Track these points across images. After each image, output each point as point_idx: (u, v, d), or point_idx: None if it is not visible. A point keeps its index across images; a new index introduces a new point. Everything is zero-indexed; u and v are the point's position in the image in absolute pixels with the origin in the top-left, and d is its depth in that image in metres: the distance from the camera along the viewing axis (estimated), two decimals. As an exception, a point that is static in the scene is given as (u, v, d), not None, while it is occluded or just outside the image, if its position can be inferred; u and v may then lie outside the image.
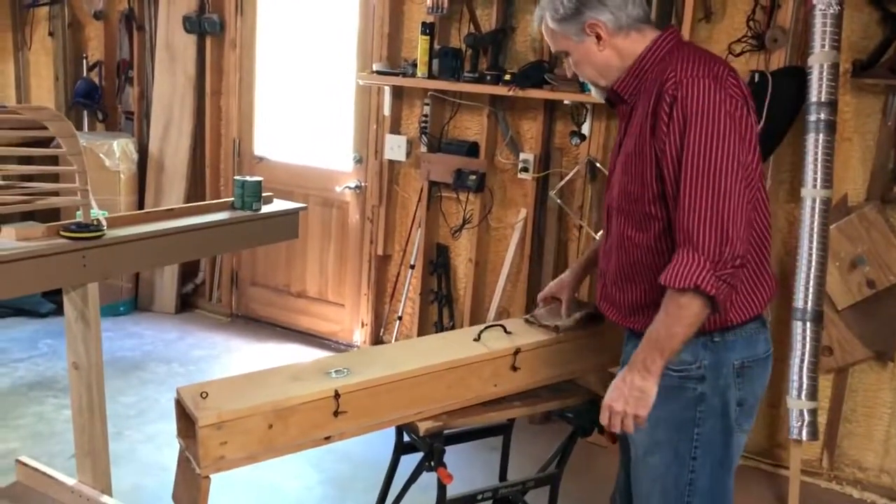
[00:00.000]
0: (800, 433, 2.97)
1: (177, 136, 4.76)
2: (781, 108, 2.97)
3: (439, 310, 4.05)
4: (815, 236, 2.92)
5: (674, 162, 1.60)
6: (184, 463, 1.76)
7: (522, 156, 3.67)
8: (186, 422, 1.72)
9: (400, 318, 4.19)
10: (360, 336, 4.38)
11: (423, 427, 1.92)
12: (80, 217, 2.42)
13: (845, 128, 3.06)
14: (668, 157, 1.60)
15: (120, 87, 5.05)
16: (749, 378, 1.74)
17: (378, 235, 4.19)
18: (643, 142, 1.66)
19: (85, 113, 5.15)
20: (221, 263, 4.85)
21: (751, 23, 3.13)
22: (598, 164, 3.47)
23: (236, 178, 2.97)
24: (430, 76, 3.73)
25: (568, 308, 2.17)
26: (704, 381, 1.71)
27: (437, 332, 4.02)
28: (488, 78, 3.57)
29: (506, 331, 2.15)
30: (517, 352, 2.05)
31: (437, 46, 3.73)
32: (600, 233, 2.26)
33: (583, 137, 3.49)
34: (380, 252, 4.20)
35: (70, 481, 2.64)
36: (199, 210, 2.86)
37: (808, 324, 2.93)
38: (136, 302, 4.87)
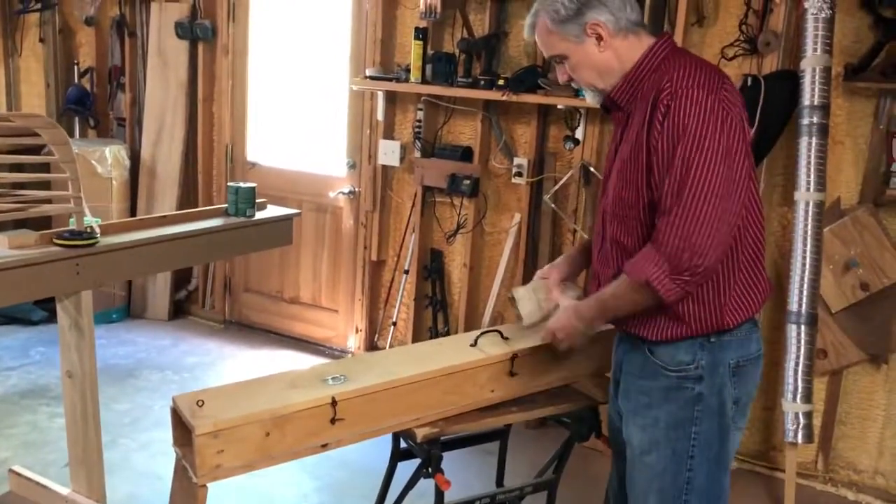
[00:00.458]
0: (795, 436, 2.98)
1: (169, 143, 4.74)
2: (774, 112, 2.98)
3: (434, 315, 4.04)
4: (808, 239, 2.93)
5: (662, 171, 1.62)
6: (180, 471, 1.75)
7: (516, 160, 3.68)
8: (183, 430, 1.71)
9: (394, 324, 4.18)
10: (354, 342, 4.37)
11: (421, 433, 1.91)
12: (73, 225, 2.41)
13: (838, 131, 3.07)
14: (657, 165, 1.63)
15: (112, 93, 5.02)
16: (743, 377, 1.77)
17: (372, 241, 4.18)
18: (638, 149, 1.67)
19: (76, 119, 5.12)
20: (214, 270, 4.83)
21: (743, 27, 3.14)
22: (591, 169, 3.47)
23: (230, 184, 2.96)
24: (424, 81, 3.73)
25: (554, 289, 2.10)
26: (702, 381, 1.73)
27: (431, 337, 4.02)
28: (482, 83, 3.57)
29: (502, 336, 2.14)
30: (514, 357, 2.05)
31: (430, 51, 3.74)
32: (579, 244, 2.27)
33: (576, 142, 3.50)
34: (374, 257, 4.19)
35: (64, 490, 2.63)
36: (192, 217, 2.86)
37: (803, 327, 2.94)
38: (128, 309, 4.84)
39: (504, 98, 3.48)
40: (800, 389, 2.95)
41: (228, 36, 4.55)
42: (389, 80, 3.86)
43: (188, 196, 4.79)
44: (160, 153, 4.77)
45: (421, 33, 3.69)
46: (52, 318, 4.50)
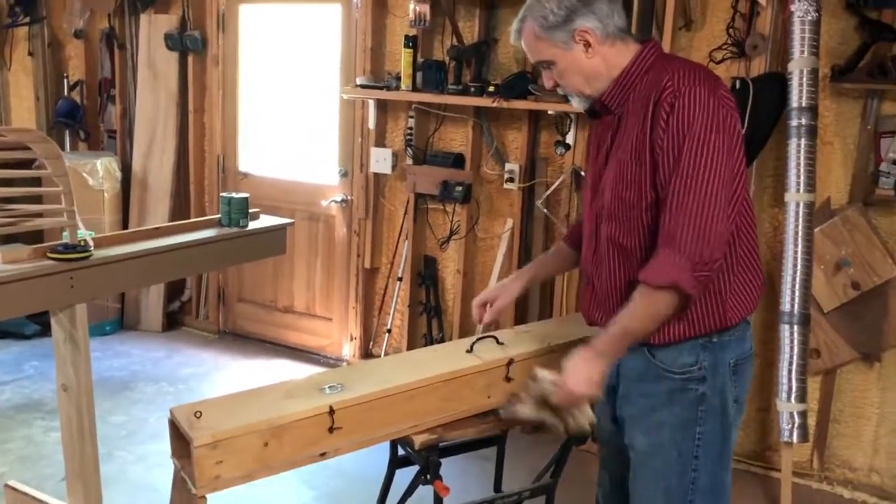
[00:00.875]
0: (790, 435, 2.99)
1: (160, 154, 4.74)
2: (763, 114, 3.01)
3: (428, 321, 4.05)
4: (799, 240, 2.95)
5: (668, 169, 1.63)
6: (179, 483, 1.75)
7: (508, 166, 3.69)
8: (181, 442, 1.71)
9: (389, 331, 4.18)
10: (349, 350, 4.37)
11: (419, 440, 1.92)
12: (66, 238, 2.40)
13: (826, 132, 3.10)
14: (663, 163, 1.64)
15: (102, 105, 5.02)
16: (741, 375, 1.80)
17: (365, 248, 4.19)
18: (640, 149, 1.68)
19: (67, 132, 5.12)
20: (208, 280, 4.83)
21: (730, 30, 3.17)
22: (583, 173, 3.48)
23: (223, 194, 2.96)
24: (415, 89, 3.74)
25: (497, 312, 2.11)
26: (705, 382, 1.75)
27: (426, 343, 4.02)
28: (472, 90, 3.59)
29: (497, 342, 2.15)
30: (510, 362, 2.05)
31: (420, 59, 3.75)
32: (554, 247, 2.24)
33: (567, 147, 3.52)
34: (367, 265, 4.20)
35: (61, 505, 2.62)
36: (186, 228, 2.86)
37: (796, 327, 2.96)
38: (122, 321, 4.83)
39: (495, 104, 3.49)
40: (794, 389, 2.97)
41: (218, 47, 4.55)
42: (380, 88, 3.87)
43: (180, 207, 4.78)
44: (151, 165, 4.76)
45: (411, 41, 3.70)
46: (45, 331, 4.48)
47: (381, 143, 4.07)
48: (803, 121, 2.92)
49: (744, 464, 3.39)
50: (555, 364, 2.12)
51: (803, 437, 3.01)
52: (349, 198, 4.26)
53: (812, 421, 3.20)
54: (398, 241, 4.10)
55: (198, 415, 1.70)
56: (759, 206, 3.21)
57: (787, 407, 2.99)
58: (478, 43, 3.66)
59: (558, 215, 3.61)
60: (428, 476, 1.96)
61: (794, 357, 2.96)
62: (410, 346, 4.08)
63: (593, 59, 1.74)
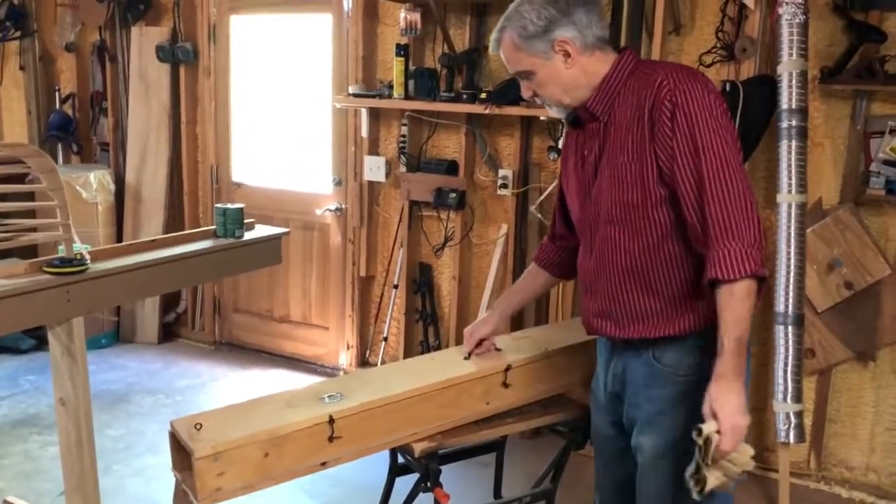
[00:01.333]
0: (787, 436, 3.00)
1: (154, 166, 4.74)
2: (753, 117, 3.03)
3: (424, 329, 4.06)
4: (792, 241, 2.96)
5: (688, 163, 1.65)
6: (181, 495, 1.75)
7: (501, 172, 3.71)
8: (182, 454, 1.72)
9: (385, 339, 4.19)
10: (345, 358, 4.37)
11: (419, 448, 1.92)
12: (62, 252, 2.40)
13: (816, 133, 3.12)
14: (679, 159, 1.66)
15: (94, 118, 5.02)
16: (747, 359, 1.78)
17: (360, 257, 4.19)
18: (641, 150, 1.70)
19: (59, 146, 5.11)
20: (203, 291, 4.82)
21: (719, 34, 3.20)
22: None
23: (218, 205, 2.96)
24: (407, 97, 3.76)
25: (475, 341, 2.14)
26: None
27: (423, 351, 4.03)
28: (464, 97, 3.60)
29: (495, 348, 2.16)
30: (508, 368, 2.06)
31: (412, 67, 3.77)
32: (526, 271, 2.25)
33: (560, 152, 3.52)
34: (362, 273, 4.20)
35: (60, 520, 2.61)
36: (181, 240, 2.86)
37: (790, 327, 2.97)
38: (118, 334, 4.82)
39: (487, 111, 3.51)
40: (790, 389, 2.98)
41: (210, 58, 4.56)
42: (372, 96, 3.89)
43: (174, 218, 4.78)
44: (145, 177, 4.76)
45: (402, 50, 3.72)
46: (40, 346, 4.48)
47: (374, 151, 4.08)
48: (794, 122, 2.94)
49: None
50: (552, 369, 2.14)
51: (800, 437, 3.01)
52: (343, 206, 4.26)
53: (808, 421, 3.22)
54: (393, 249, 4.11)
55: (198, 427, 1.70)
56: (751, 208, 3.23)
57: (783, 407, 3.00)
58: (469, 50, 3.68)
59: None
60: (428, 483, 1.96)
61: (790, 357, 2.97)
62: (407, 354, 4.09)
63: (572, 70, 1.76)
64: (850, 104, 3.07)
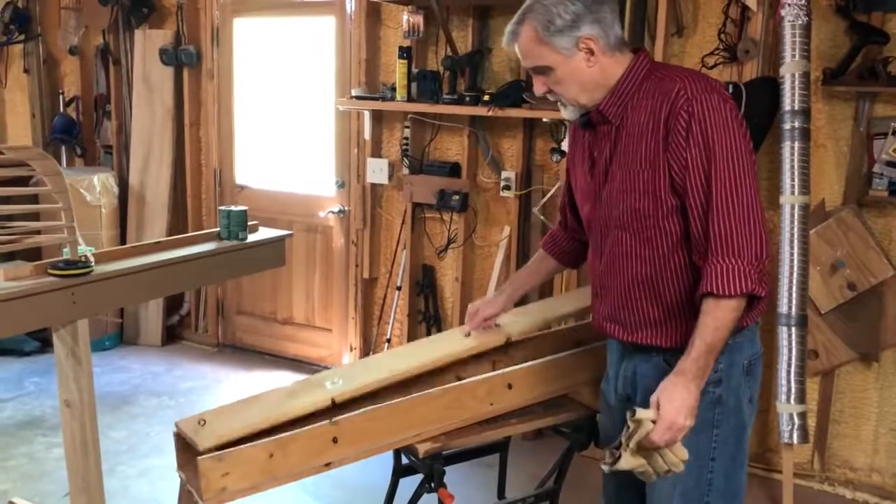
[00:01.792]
0: (790, 437, 3.01)
1: (157, 168, 4.75)
2: (756, 118, 3.03)
3: (428, 330, 4.06)
4: (795, 242, 2.97)
5: (698, 175, 1.64)
6: (185, 496, 1.76)
7: (504, 174, 3.71)
8: (187, 455, 1.72)
9: (388, 341, 4.19)
10: (349, 360, 4.38)
11: (423, 449, 1.92)
12: (66, 254, 2.41)
13: (819, 134, 3.13)
14: (692, 170, 1.64)
15: (98, 121, 5.04)
16: (754, 375, 1.81)
17: (363, 259, 4.20)
18: (654, 158, 1.68)
19: (63, 149, 5.13)
20: (206, 293, 4.83)
21: (722, 36, 3.20)
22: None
23: (221, 208, 2.97)
24: (410, 99, 3.77)
25: (480, 320, 2.17)
26: (721, 384, 1.74)
27: (426, 352, 4.04)
28: (467, 99, 3.61)
29: (495, 325, 2.20)
30: (508, 342, 2.07)
31: (415, 70, 3.77)
32: (534, 257, 2.27)
33: (563, 154, 3.54)
34: (365, 275, 4.21)
35: (65, 521, 2.62)
36: (185, 242, 2.86)
37: (793, 328, 2.98)
38: (121, 336, 4.83)
39: (489, 113, 3.52)
40: (793, 390, 2.99)
41: (213, 61, 4.57)
42: (375, 99, 3.90)
43: (178, 221, 4.79)
44: (148, 179, 4.78)
45: (405, 52, 3.72)
46: (44, 348, 4.49)
47: (377, 153, 4.09)
48: (796, 124, 2.95)
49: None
50: (556, 370, 2.15)
51: (803, 438, 3.02)
52: (346, 208, 4.27)
53: (812, 422, 3.22)
54: (396, 251, 4.11)
55: (202, 423, 1.71)
56: (754, 210, 3.24)
57: (786, 408, 3.00)
58: (471, 53, 3.69)
59: (555, 222, 3.62)
60: (432, 484, 1.97)
61: (793, 358, 2.98)
62: (410, 356, 4.09)
63: (593, 69, 1.72)
64: (852, 106, 3.07)
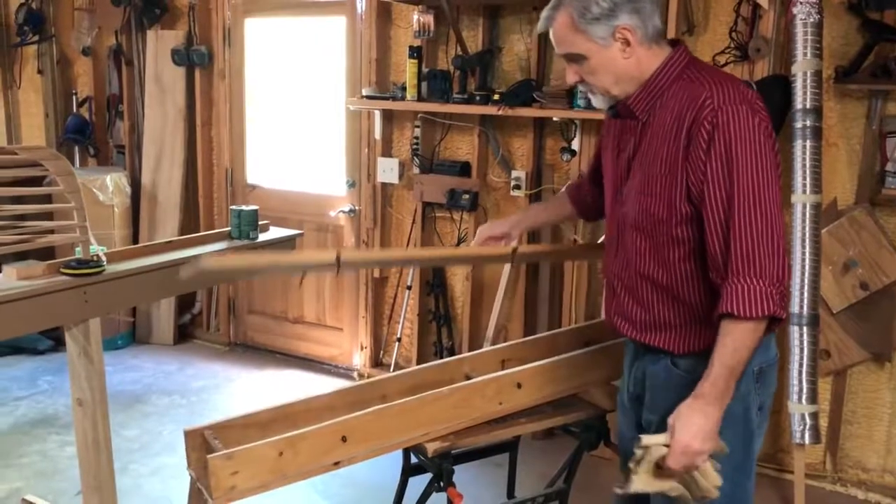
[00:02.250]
0: (802, 437, 2.99)
1: (169, 168, 4.78)
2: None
3: (438, 330, 4.06)
4: (807, 241, 2.95)
5: (719, 189, 1.58)
6: (195, 494, 1.77)
7: (514, 173, 3.71)
8: (197, 453, 1.73)
9: (399, 340, 4.20)
10: (359, 359, 4.39)
11: (432, 448, 1.93)
12: (79, 254, 2.43)
13: (831, 133, 3.11)
14: (711, 184, 1.58)
15: (111, 121, 5.07)
16: (765, 382, 1.75)
17: (374, 258, 4.20)
18: (673, 165, 1.63)
19: (76, 149, 5.17)
20: (218, 293, 4.86)
21: (733, 34, 3.19)
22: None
23: (232, 207, 2.99)
24: (420, 99, 3.77)
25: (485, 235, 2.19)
26: None
27: (436, 352, 4.04)
28: (477, 98, 3.61)
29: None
30: (515, 251, 2.15)
31: (425, 69, 3.78)
32: (556, 196, 2.29)
33: (573, 153, 3.53)
34: (376, 274, 4.22)
35: (77, 518, 2.64)
36: (196, 241, 2.89)
37: (805, 328, 2.96)
38: (133, 335, 4.86)
39: (500, 112, 3.51)
40: (805, 391, 2.97)
41: (224, 61, 4.59)
42: (386, 98, 3.90)
43: (190, 220, 4.82)
44: (160, 179, 4.80)
45: (415, 51, 3.73)
46: (58, 346, 4.53)
47: (387, 152, 4.09)
48: (808, 122, 2.93)
49: (756, 466, 3.37)
50: (566, 370, 2.14)
51: (815, 438, 3.00)
52: (357, 208, 4.28)
53: (824, 422, 3.20)
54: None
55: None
56: (765, 209, 3.22)
57: (798, 408, 2.99)
58: (482, 52, 3.69)
59: (566, 221, 3.62)
60: (441, 483, 1.97)
61: (804, 358, 2.96)
62: (420, 355, 4.10)
63: (629, 60, 1.67)
64: (865, 104, 3.05)
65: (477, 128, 3.79)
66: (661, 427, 1.77)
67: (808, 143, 2.93)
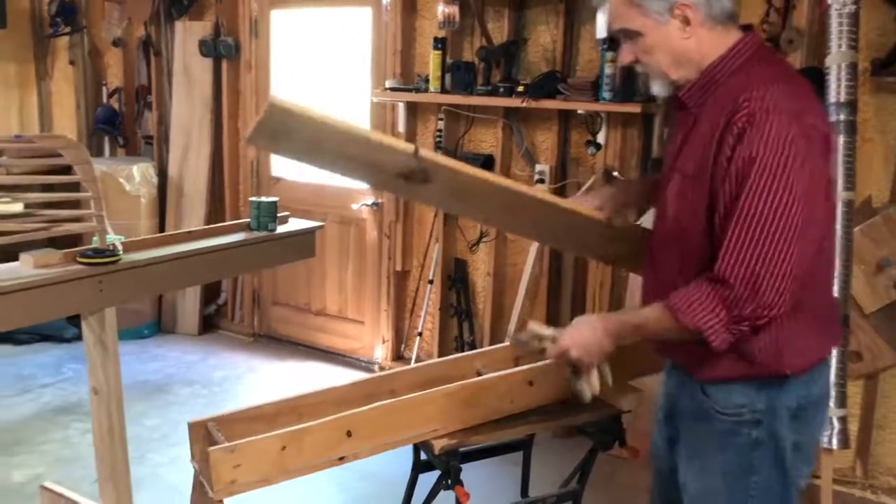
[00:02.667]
0: (830, 441, 2.90)
1: (196, 159, 4.80)
2: (799, 111, 2.92)
3: (459, 324, 4.03)
4: (838, 240, 2.85)
5: (727, 201, 1.46)
6: (199, 487, 1.75)
7: (538, 167, 3.65)
8: (200, 445, 1.72)
9: (420, 334, 4.17)
10: (380, 352, 4.37)
11: (438, 445, 1.89)
12: (96, 243, 2.43)
13: (866, 128, 3.00)
14: (724, 191, 1.46)
15: (139, 112, 5.11)
16: (805, 420, 1.61)
17: (396, 251, 4.18)
18: (703, 169, 1.51)
19: (106, 139, 5.22)
20: (243, 284, 4.87)
21: (765, 25, 3.09)
22: (615, 174, 3.43)
23: (251, 199, 2.97)
24: (444, 91, 3.73)
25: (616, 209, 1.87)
26: (759, 426, 1.57)
27: (457, 346, 4.00)
28: (501, 90, 3.56)
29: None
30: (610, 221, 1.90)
31: (449, 61, 3.74)
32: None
33: (598, 146, 3.46)
34: (398, 268, 4.19)
35: (92, 506, 2.65)
36: (215, 232, 2.87)
37: (835, 329, 2.87)
38: (159, 324, 4.90)
39: (524, 105, 3.46)
40: (833, 394, 2.87)
41: (251, 52, 4.60)
42: (409, 90, 3.87)
43: (216, 211, 4.84)
44: (187, 170, 4.83)
45: (440, 43, 3.69)
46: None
47: (411, 145, 4.05)
48: (842, 117, 2.82)
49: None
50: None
51: (844, 443, 2.91)
52: (380, 201, 4.25)
53: (854, 427, 3.10)
54: (428, 244, 4.08)
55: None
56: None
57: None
58: (507, 43, 3.63)
59: (590, 216, 3.55)
60: (449, 481, 1.93)
61: (833, 360, 2.87)
62: (441, 349, 4.07)
63: (688, 40, 1.52)
64: (902, 98, 2.95)
65: (501, 120, 3.73)
66: (687, 461, 1.70)
67: (841, 138, 2.83)
